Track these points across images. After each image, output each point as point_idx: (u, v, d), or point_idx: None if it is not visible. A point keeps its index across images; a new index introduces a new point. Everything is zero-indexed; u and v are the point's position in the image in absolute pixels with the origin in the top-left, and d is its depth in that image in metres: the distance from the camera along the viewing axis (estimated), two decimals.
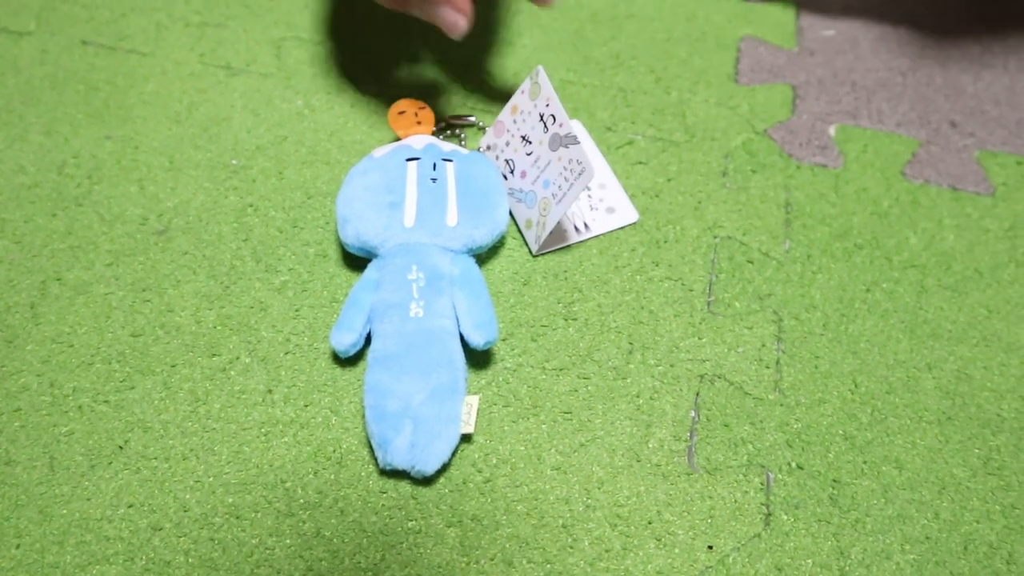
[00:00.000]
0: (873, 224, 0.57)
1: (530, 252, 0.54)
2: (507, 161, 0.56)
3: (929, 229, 0.57)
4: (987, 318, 0.53)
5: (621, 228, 0.55)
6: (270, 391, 0.49)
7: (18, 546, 0.44)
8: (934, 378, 0.51)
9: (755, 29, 0.68)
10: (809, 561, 0.44)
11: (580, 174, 0.50)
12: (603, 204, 0.56)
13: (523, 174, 0.54)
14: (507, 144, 0.56)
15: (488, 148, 0.57)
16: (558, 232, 0.55)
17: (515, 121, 0.55)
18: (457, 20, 0.53)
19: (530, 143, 0.54)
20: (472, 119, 0.59)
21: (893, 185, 0.59)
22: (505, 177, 0.56)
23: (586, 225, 0.55)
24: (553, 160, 0.52)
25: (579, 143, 0.50)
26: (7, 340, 0.50)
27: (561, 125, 0.51)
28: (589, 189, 0.57)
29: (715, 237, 0.56)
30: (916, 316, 0.53)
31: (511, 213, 0.56)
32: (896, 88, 0.64)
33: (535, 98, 0.53)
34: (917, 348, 0.52)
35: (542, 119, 0.53)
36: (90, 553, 0.43)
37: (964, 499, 0.47)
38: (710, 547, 0.45)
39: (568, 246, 0.55)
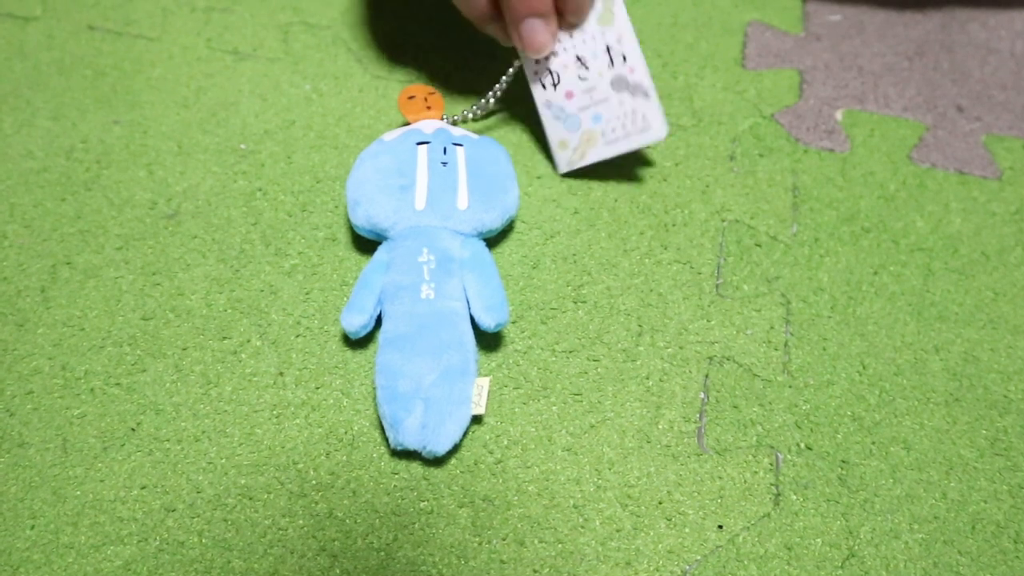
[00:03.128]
0: (880, 208, 0.57)
1: (554, 169, 0.54)
2: (551, 71, 0.53)
3: (936, 213, 0.57)
4: (994, 301, 0.54)
5: (645, 147, 0.54)
6: (281, 373, 0.49)
7: (33, 527, 0.44)
8: (941, 360, 0.51)
9: (761, 14, 0.68)
10: (818, 540, 0.45)
11: (643, 131, 0.48)
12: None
13: (569, 94, 0.52)
14: (556, 56, 0.53)
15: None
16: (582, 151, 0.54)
17: (572, 36, 0.52)
18: (544, 40, 0.50)
19: (587, 68, 0.52)
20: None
21: (900, 169, 0.59)
22: (544, 87, 0.54)
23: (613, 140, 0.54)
24: (613, 99, 0.50)
25: (653, 100, 0.48)
26: (18, 324, 0.50)
27: (633, 70, 0.49)
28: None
29: (723, 220, 0.56)
30: (923, 299, 0.53)
31: (544, 128, 0.55)
32: (902, 73, 0.65)
33: (605, 25, 0.51)
34: (924, 330, 0.52)
35: (609, 52, 0.50)
36: (104, 534, 0.44)
37: (972, 479, 0.47)
38: (720, 527, 0.45)
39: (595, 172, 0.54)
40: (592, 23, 0.53)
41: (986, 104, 0.63)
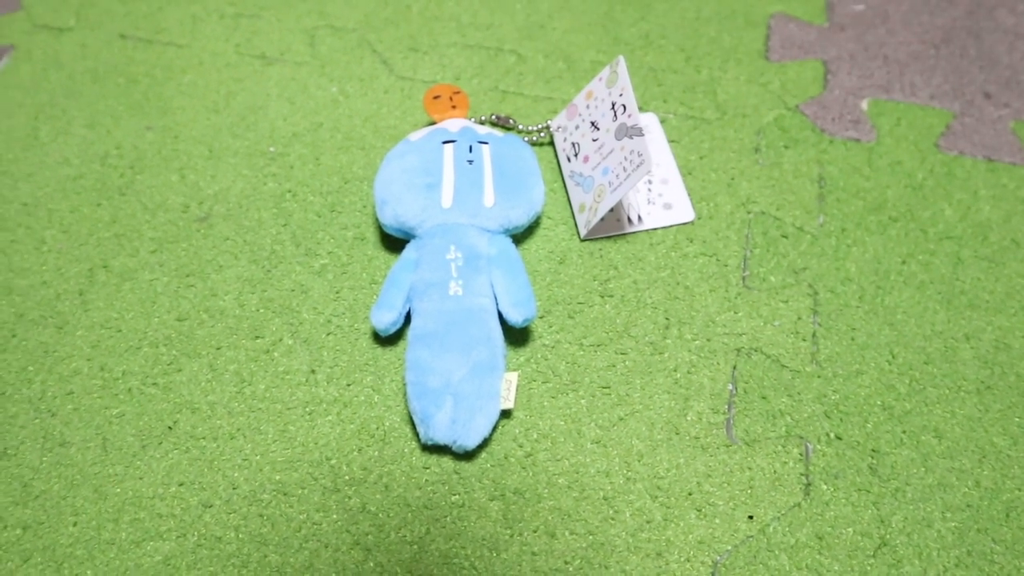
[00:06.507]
0: (908, 197, 0.57)
1: (578, 235, 0.54)
2: (573, 144, 0.56)
3: (964, 200, 0.57)
4: None
5: (675, 225, 0.55)
6: (313, 371, 0.50)
7: (75, 524, 0.45)
8: (972, 348, 0.51)
9: (785, 6, 0.68)
10: (850, 530, 0.45)
11: (638, 166, 0.50)
12: (661, 199, 0.56)
13: (586, 159, 0.54)
14: (576, 128, 0.56)
15: (558, 129, 0.58)
16: (610, 220, 0.55)
17: (588, 106, 0.55)
18: None
19: (598, 129, 0.54)
20: (512, 122, 0.59)
21: (927, 157, 0.59)
22: (568, 160, 0.56)
23: (640, 217, 0.55)
24: (616, 149, 0.52)
25: (643, 135, 0.50)
26: (58, 326, 0.51)
27: (630, 115, 0.52)
28: (650, 183, 0.56)
29: (749, 213, 0.56)
30: (953, 287, 0.53)
31: (566, 196, 0.56)
32: (929, 60, 0.64)
33: (611, 86, 0.54)
34: (954, 319, 0.52)
35: (613, 107, 0.53)
36: (144, 530, 0.45)
37: (1005, 467, 0.47)
38: (750, 517, 0.45)
39: (616, 236, 0.55)
40: (603, 88, 0.55)
41: (1015, 90, 0.62)
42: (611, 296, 0.52)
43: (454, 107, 0.56)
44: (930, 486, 0.46)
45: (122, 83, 0.63)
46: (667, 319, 0.51)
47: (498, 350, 0.48)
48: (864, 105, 0.62)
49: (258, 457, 0.47)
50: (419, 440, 0.47)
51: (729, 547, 0.44)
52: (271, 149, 0.59)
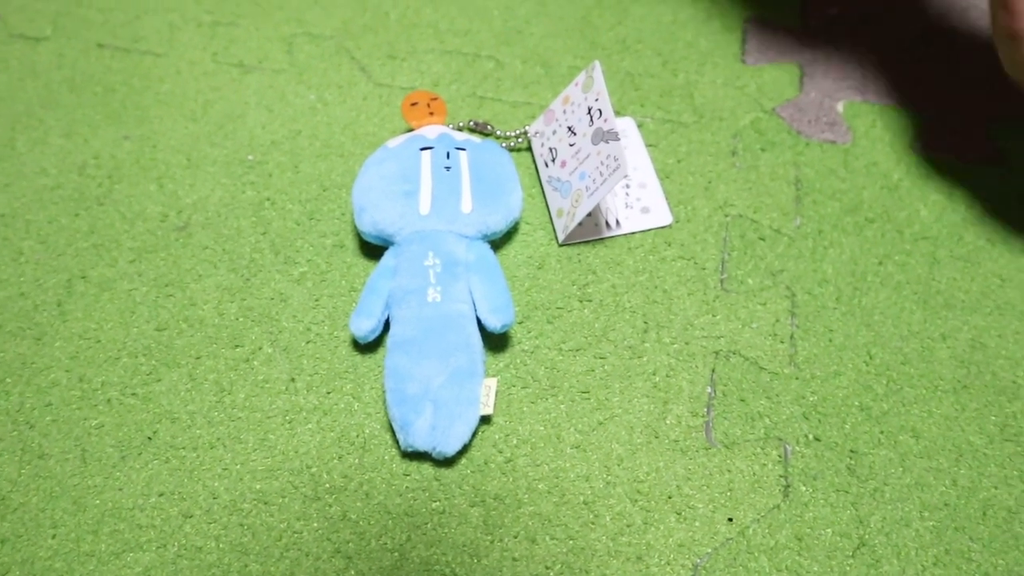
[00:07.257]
0: (883, 198, 0.57)
1: (556, 240, 0.55)
2: (551, 149, 0.56)
3: (940, 201, 0.57)
4: (1001, 287, 0.54)
5: (652, 229, 0.56)
6: (293, 379, 0.50)
7: (54, 536, 0.45)
8: (949, 347, 0.51)
9: (760, 9, 0.68)
10: (828, 530, 0.45)
11: (614, 170, 0.50)
12: (639, 203, 0.56)
13: (563, 164, 0.55)
14: (554, 133, 0.56)
15: (536, 134, 0.58)
16: (588, 225, 0.55)
17: (565, 111, 0.56)
18: None
19: (575, 134, 0.54)
20: (490, 127, 0.59)
21: (903, 158, 0.59)
22: (546, 164, 0.56)
23: (618, 222, 0.55)
24: (592, 153, 0.52)
25: (619, 140, 0.51)
26: (36, 337, 0.51)
27: (606, 120, 0.52)
28: (628, 187, 0.57)
29: (726, 216, 0.56)
30: (929, 287, 0.54)
31: (544, 201, 0.56)
32: (903, 62, 0.65)
33: (587, 91, 0.54)
34: (931, 319, 0.52)
35: (589, 112, 0.53)
36: (124, 541, 0.45)
37: (982, 466, 0.47)
38: (730, 519, 0.45)
39: (594, 240, 0.55)
40: (579, 93, 0.55)
41: (988, 91, 0.63)
42: (590, 301, 0.52)
43: (432, 113, 0.56)
44: (908, 486, 0.46)
45: (99, 92, 0.62)
46: (645, 323, 0.52)
47: (477, 356, 0.48)
48: (840, 107, 0.62)
49: (238, 466, 0.47)
50: (399, 447, 0.47)
51: (709, 550, 0.44)
52: (249, 157, 0.59)
